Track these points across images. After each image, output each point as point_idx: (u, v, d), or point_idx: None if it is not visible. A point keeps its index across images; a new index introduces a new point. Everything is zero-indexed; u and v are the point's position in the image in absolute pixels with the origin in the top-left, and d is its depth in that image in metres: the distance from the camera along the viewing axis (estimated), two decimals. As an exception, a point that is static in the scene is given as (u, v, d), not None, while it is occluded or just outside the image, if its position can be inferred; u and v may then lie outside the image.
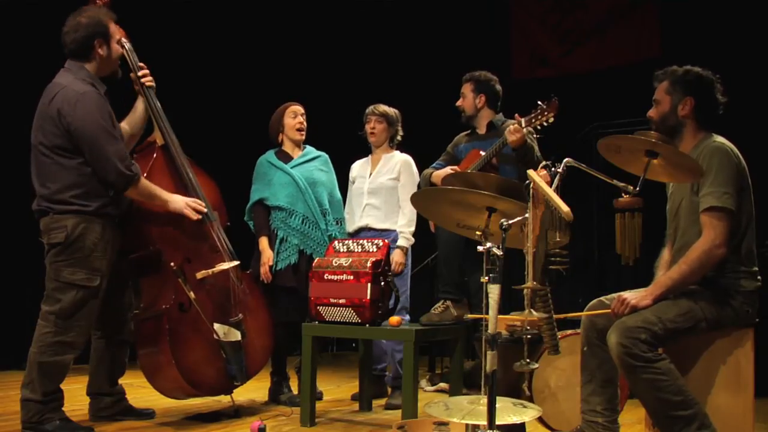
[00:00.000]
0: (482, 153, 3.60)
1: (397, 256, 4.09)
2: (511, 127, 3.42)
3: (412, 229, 4.15)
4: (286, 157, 4.14)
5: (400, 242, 4.12)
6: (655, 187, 2.75)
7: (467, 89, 3.83)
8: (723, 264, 2.44)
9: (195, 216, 3.35)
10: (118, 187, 3.10)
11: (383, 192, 4.18)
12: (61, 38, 3.16)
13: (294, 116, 4.15)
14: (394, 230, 4.15)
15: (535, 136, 3.45)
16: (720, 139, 2.53)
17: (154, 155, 3.41)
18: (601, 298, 2.69)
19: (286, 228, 3.97)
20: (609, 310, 2.50)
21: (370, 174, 4.26)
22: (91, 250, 3.03)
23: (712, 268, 2.41)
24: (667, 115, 2.61)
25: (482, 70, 3.87)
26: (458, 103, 3.87)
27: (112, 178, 3.05)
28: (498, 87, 3.85)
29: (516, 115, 3.46)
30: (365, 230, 4.18)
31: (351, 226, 4.26)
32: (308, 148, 4.23)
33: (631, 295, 2.44)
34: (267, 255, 3.93)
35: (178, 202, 3.33)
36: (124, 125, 3.39)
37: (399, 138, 4.31)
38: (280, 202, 4.00)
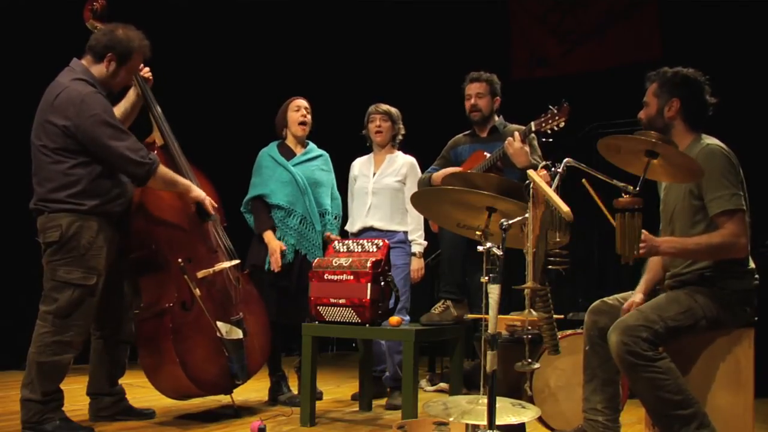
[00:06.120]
0: (486, 154, 3.59)
1: (414, 264, 4.14)
2: (509, 138, 3.38)
3: (422, 232, 4.17)
4: (289, 153, 4.13)
5: (414, 249, 4.15)
6: (655, 187, 2.76)
7: (484, 89, 3.76)
8: (720, 262, 2.46)
9: (212, 210, 3.41)
10: (140, 177, 3.11)
11: (388, 193, 4.17)
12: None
13: (297, 110, 4.13)
14: (399, 231, 4.15)
15: (543, 140, 3.44)
16: (713, 140, 2.54)
17: (155, 156, 3.41)
18: (604, 299, 2.70)
19: (284, 227, 3.97)
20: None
21: (374, 174, 4.24)
22: (87, 249, 3.02)
23: (734, 255, 2.43)
24: (654, 117, 2.62)
25: (482, 71, 3.85)
26: (474, 101, 3.75)
27: (131, 170, 3.08)
28: None
29: (517, 132, 3.43)
30: (370, 230, 4.16)
31: (354, 226, 4.23)
32: (311, 145, 4.22)
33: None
34: (275, 244, 3.90)
35: (200, 191, 3.38)
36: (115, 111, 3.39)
37: (400, 137, 4.31)
38: (279, 201, 3.99)
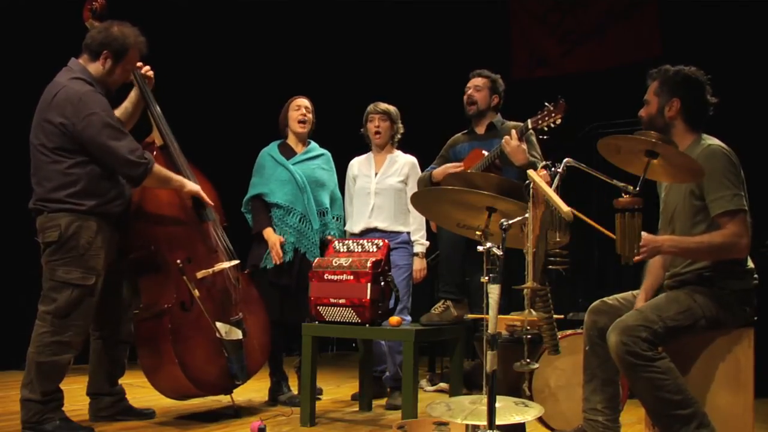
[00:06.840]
0: (485, 152, 3.59)
1: (417, 264, 4.13)
2: (506, 137, 3.39)
3: (423, 232, 4.17)
4: (289, 152, 4.13)
5: (417, 249, 4.14)
6: (655, 187, 2.75)
7: (483, 84, 3.77)
8: (719, 262, 2.46)
9: (210, 202, 3.41)
10: (136, 177, 3.11)
11: (391, 193, 4.15)
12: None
13: (297, 109, 4.13)
14: (403, 232, 4.14)
15: (540, 137, 3.45)
16: (714, 141, 2.54)
17: (153, 156, 3.40)
18: (604, 299, 2.70)
19: (284, 226, 3.97)
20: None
21: (376, 174, 4.22)
22: (86, 249, 3.02)
23: (735, 256, 2.43)
24: (654, 116, 2.62)
25: (484, 69, 3.85)
26: (471, 92, 3.77)
27: (127, 170, 3.07)
28: None
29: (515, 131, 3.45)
30: (373, 231, 4.13)
31: (356, 226, 4.21)
32: (312, 144, 4.21)
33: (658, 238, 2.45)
34: (274, 238, 3.90)
35: (193, 185, 3.37)
36: (116, 113, 3.38)
37: (399, 136, 4.30)
38: (278, 199, 3.99)
